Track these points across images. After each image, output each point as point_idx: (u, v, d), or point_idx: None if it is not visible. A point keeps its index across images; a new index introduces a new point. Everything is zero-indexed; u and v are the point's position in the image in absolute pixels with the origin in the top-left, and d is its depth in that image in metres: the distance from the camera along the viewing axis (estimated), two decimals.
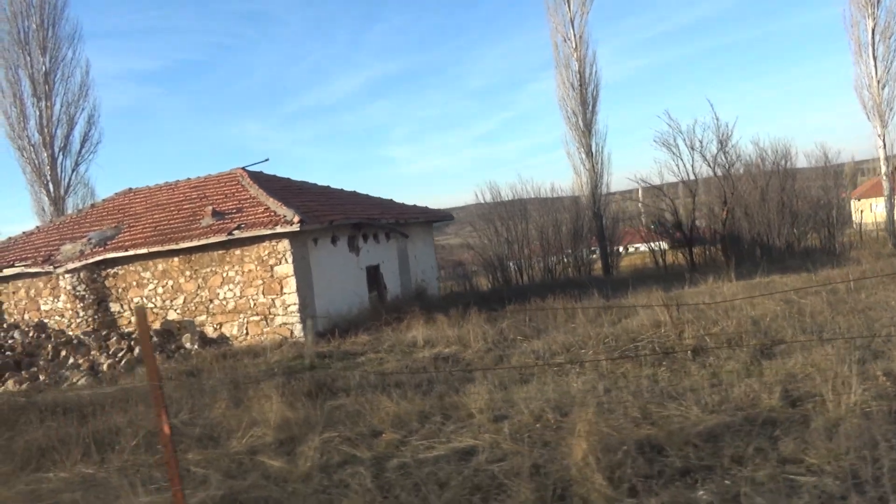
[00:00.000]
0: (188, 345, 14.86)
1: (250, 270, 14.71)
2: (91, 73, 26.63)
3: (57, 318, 16.79)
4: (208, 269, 15.14)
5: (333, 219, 15.31)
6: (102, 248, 16.05)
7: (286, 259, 14.31)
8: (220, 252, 14.95)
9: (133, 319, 15.99)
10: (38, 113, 24.08)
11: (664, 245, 30.13)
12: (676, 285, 17.80)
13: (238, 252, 14.78)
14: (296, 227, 13.65)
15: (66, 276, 16.07)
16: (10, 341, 16.38)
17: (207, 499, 5.20)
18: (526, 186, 35.29)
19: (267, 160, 19.18)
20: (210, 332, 15.22)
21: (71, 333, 16.18)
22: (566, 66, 32.85)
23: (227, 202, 16.49)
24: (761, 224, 21.34)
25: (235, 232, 14.20)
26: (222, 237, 14.26)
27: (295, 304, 14.36)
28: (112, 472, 6.29)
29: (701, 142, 22.11)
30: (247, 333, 14.89)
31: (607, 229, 33.15)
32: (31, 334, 16.60)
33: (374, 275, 17.65)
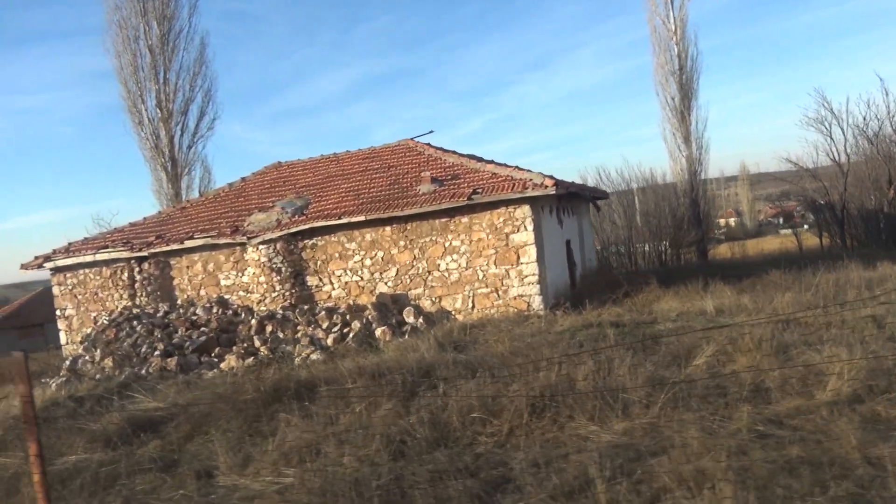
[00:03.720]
0: (410, 319, 13.90)
1: (480, 239, 13.77)
2: (209, 48, 25.46)
3: (241, 293, 15.72)
4: (427, 239, 14.18)
5: (568, 186, 14.42)
6: (303, 217, 15.03)
7: (525, 226, 13.39)
8: (443, 220, 13.99)
9: (333, 294, 15.00)
10: (156, 87, 22.91)
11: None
12: (859, 265, 16.98)
13: (465, 220, 13.83)
14: (550, 191, 12.75)
15: (261, 247, 15.03)
16: (192, 318, 15.32)
17: None
18: (632, 172, 34.80)
19: (432, 132, 18.26)
20: (427, 305, 14.27)
21: (265, 308, 15.15)
22: (664, 50, 32.15)
23: (426, 169, 15.55)
24: None
25: (475, 196, 13.26)
26: (459, 202, 13.31)
27: (534, 274, 13.44)
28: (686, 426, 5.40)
29: (865, 119, 21.33)
30: (472, 307, 13.95)
31: (704, 216, 32.70)
32: (213, 310, 15.55)
33: (567, 250, 16.78)
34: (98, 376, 13.25)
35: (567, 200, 17.01)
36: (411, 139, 18.17)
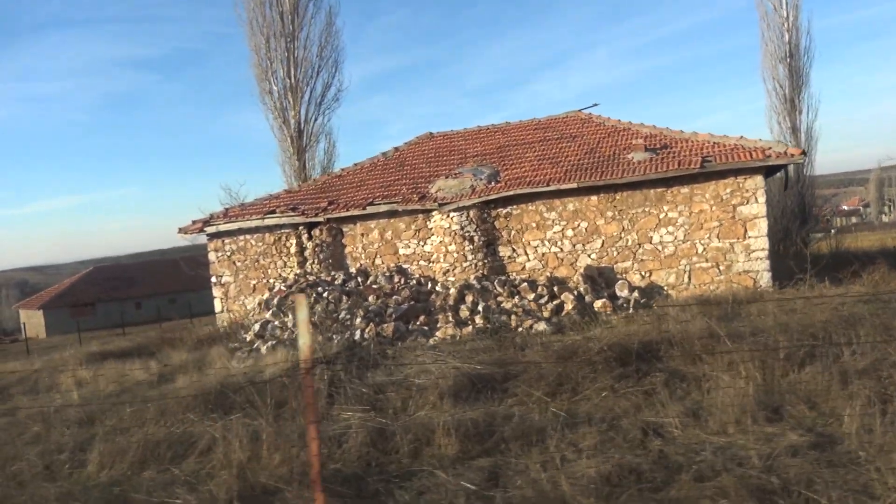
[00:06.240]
0: (624, 293, 13.22)
1: (702, 211, 13.05)
2: (339, 18, 24.77)
3: (421, 262, 15.11)
4: (639, 210, 13.48)
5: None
6: (499, 184, 14.38)
7: (756, 198, 12.66)
8: (659, 190, 13.28)
9: (528, 265, 14.35)
10: (285, 55, 22.33)
11: None
12: None
13: (685, 190, 13.12)
14: (798, 160, 12.03)
15: (453, 214, 14.39)
16: (374, 287, 14.73)
17: None
18: None
19: (597, 105, 17.55)
20: (636, 279, 13.58)
21: (452, 279, 14.53)
22: (774, 36, 31.26)
23: (619, 138, 14.88)
24: None
25: (707, 164, 12.54)
26: (689, 169, 12.60)
27: (763, 249, 12.72)
28: None
29: None
30: (688, 282, 13.25)
31: (809, 210, 31.93)
32: (395, 279, 14.96)
33: None
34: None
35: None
36: (579, 111, 17.50)
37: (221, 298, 17.01)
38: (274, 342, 12.74)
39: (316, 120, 22.85)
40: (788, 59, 31.05)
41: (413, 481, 5.22)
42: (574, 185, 13.39)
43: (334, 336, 12.64)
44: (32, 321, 57.34)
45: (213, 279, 17.09)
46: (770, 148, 12.38)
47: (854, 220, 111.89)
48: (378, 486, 5.24)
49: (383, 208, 14.96)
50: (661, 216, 13.33)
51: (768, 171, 15.02)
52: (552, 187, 13.55)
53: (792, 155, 12.06)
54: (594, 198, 13.73)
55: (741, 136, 13.24)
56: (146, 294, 60.85)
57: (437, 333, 12.48)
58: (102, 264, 78.41)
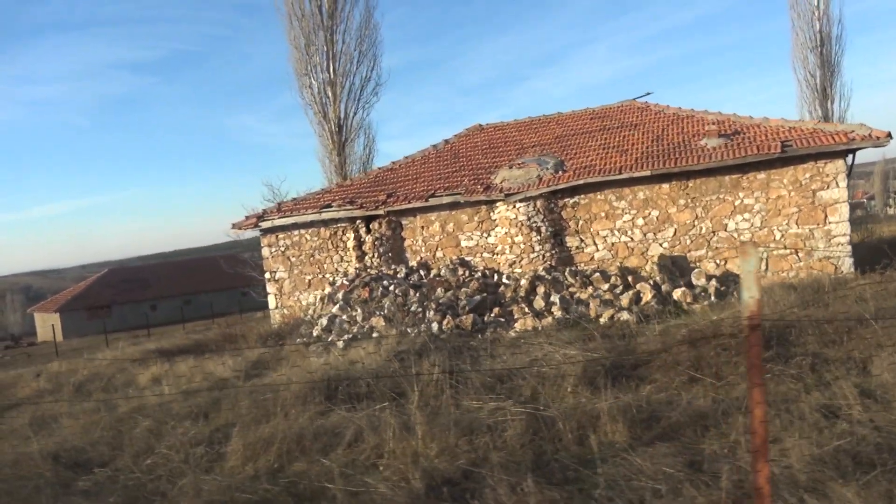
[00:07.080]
0: (701, 281, 12.99)
1: (780, 197, 12.83)
2: (377, 12, 24.54)
3: (484, 254, 14.90)
4: (713, 197, 13.26)
5: None
6: (567, 174, 14.16)
7: (837, 182, 12.44)
8: (734, 176, 13.06)
9: (597, 255, 14.13)
10: (325, 49, 22.10)
11: None
12: None
13: (762, 176, 12.89)
14: (884, 143, 11.80)
15: (519, 205, 14.17)
16: (440, 279, 14.51)
17: None
18: None
19: (651, 93, 17.35)
20: (710, 268, 13.36)
21: (519, 270, 14.31)
22: (806, 25, 31.06)
23: (684, 125, 14.66)
24: None
25: (787, 149, 12.32)
26: (769, 154, 12.37)
27: (845, 234, 12.50)
28: None
29: None
30: (766, 269, 13.03)
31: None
32: (458, 272, 14.74)
33: None
34: (375, 335, 12.48)
35: None
36: (633, 100, 17.29)
37: (276, 295, 16.80)
38: (349, 336, 12.54)
39: (355, 114, 22.65)
40: (820, 48, 30.79)
41: (604, 468, 5.00)
42: (647, 173, 13.18)
43: (409, 329, 12.45)
44: (48, 324, 57.20)
45: (267, 275, 16.88)
46: (853, 131, 12.14)
47: (859, 212, 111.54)
48: (565, 473, 5.03)
49: (446, 200, 14.75)
50: (737, 203, 13.11)
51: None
52: (625, 175, 13.33)
53: (878, 137, 11.83)
54: (665, 185, 13.51)
55: (818, 120, 13.01)
56: (161, 296, 60.74)
57: (516, 325, 12.28)
58: (108, 268, 78.09)
